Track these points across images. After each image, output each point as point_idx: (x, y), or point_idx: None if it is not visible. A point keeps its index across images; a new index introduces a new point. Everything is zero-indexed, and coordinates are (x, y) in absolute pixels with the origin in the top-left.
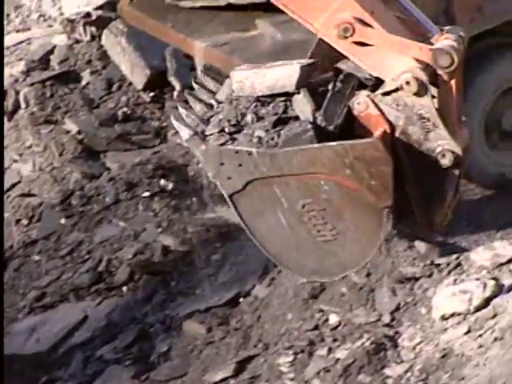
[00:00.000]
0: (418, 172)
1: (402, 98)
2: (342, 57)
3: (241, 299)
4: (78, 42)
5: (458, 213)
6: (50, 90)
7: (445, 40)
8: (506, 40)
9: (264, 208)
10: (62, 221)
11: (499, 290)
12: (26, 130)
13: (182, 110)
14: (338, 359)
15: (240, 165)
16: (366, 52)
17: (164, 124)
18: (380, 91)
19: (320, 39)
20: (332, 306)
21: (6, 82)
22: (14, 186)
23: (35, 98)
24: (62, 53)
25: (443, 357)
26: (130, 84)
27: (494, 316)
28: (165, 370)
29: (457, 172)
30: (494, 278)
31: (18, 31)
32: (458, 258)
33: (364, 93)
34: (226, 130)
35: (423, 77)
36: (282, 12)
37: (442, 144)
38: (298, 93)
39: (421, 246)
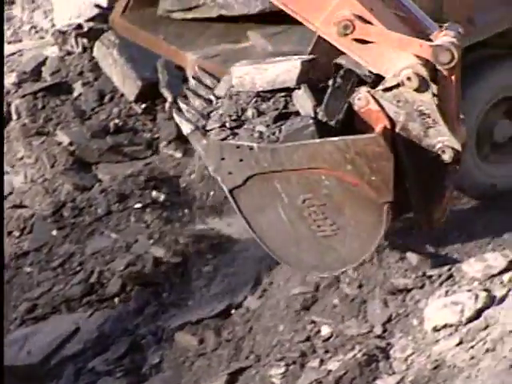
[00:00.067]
0: (418, 168)
1: (403, 94)
2: (342, 54)
3: (232, 311)
4: (69, 53)
5: (450, 224)
6: (41, 102)
7: (444, 36)
8: (497, 51)
9: (264, 203)
10: (54, 232)
11: (491, 301)
12: (17, 141)
13: (182, 105)
14: (330, 371)
15: (241, 160)
16: (365, 49)
17: (156, 135)
18: (381, 87)
19: (319, 36)
20: (324, 317)
21: None
22: (5, 197)
23: (27, 109)
24: (53, 64)
25: (435, 368)
26: (122, 95)
27: (486, 327)
28: (157, 382)
29: (456, 168)
30: (485, 290)
31: (9, 43)
32: (449, 269)
33: (364, 89)
34: (227, 124)
35: (424, 73)
36: (274, 24)
37: (442, 140)
38: (299, 88)
39: (412, 257)
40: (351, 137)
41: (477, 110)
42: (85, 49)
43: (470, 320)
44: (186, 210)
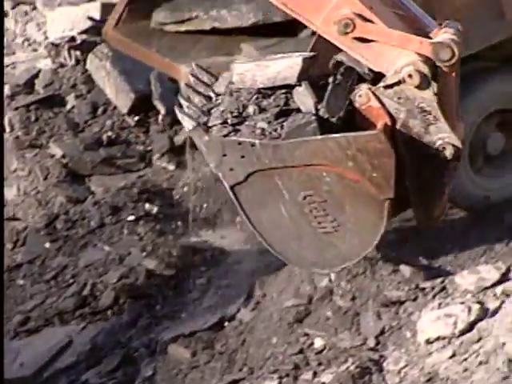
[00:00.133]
0: (418, 165)
1: (404, 92)
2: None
3: (226, 323)
4: (62, 66)
5: (443, 236)
6: (34, 114)
7: (444, 34)
8: (489, 64)
9: (265, 200)
10: (47, 245)
11: (484, 313)
12: (10, 154)
13: (183, 102)
14: (323, 383)
15: (242, 156)
16: (366, 47)
17: (149, 148)
18: (382, 84)
19: (320, 35)
20: (317, 329)
21: None
22: None
23: (20, 122)
24: (46, 77)
25: (428, 381)
26: (115, 108)
27: (479, 340)
28: None
29: (456, 165)
30: (478, 302)
31: None
32: (442, 281)
33: (365, 86)
34: (229, 121)
35: (425, 70)
36: (266, 37)
37: (443, 137)
38: (299, 85)
39: (406, 269)
40: (353, 133)
41: (469, 122)
42: (78, 61)
43: (463, 332)
44: (179, 223)
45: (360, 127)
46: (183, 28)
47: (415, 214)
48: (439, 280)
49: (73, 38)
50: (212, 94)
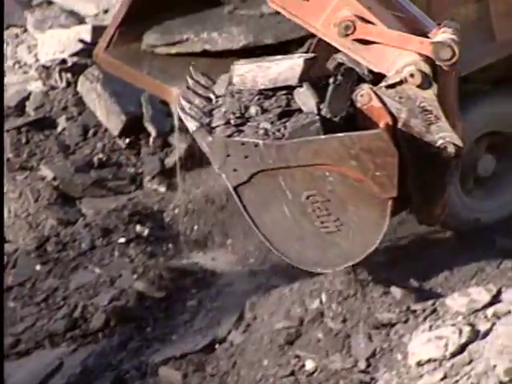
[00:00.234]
0: (419, 164)
1: (405, 91)
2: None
3: (216, 345)
4: (53, 88)
5: (433, 259)
6: (25, 137)
7: (443, 34)
8: (480, 87)
9: (269, 200)
10: (38, 267)
11: (475, 335)
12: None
13: (184, 103)
14: None
15: (246, 156)
16: (366, 49)
17: (140, 170)
18: (383, 84)
19: (320, 38)
20: (308, 351)
21: None
22: None
23: (11, 144)
24: (37, 99)
25: None
26: (106, 130)
27: (470, 362)
28: None
29: (457, 164)
30: (469, 324)
31: None
32: (433, 303)
33: (367, 86)
34: (232, 122)
35: (427, 69)
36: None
37: (444, 136)
38: (300, 86)
39: (396, 291)
40: (356, 133)
41: None
42: (69, 83)
43: (454, 354)
44: (170, 245)
45: (362, 127)
46: (174, 50)
47: (416, 213)
48: (430, 302)
49: (64, 61)
50: (212, 96)
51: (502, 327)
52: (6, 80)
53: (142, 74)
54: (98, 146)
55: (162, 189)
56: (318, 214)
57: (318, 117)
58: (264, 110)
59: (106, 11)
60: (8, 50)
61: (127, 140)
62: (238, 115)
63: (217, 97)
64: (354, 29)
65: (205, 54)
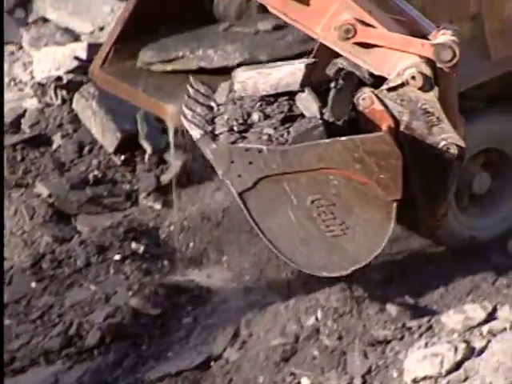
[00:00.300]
0: (422, 166)
1: (407, 93)
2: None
3: (212, 362)
4: (48, 105)
5: (429, 276)
6: (20, 154)
7: (443, 35)
8: (475, 104)
9: (274, 205)
10: (33, 284)
11: (470, 353)
12: None
13: (187, 112)
14: None
15: (250, 162)
16: (367, 52)
17: (135, 187)
18: (385, 87)
19: (321, 43)
20: (303, 369)
21: None
22: None
23: (6, 161)
24: (32, 116)
25: None
26: (101, 147)
27: (466, 379)
28: None
29: (460, 165)
30: (465, 341)
31: None
32: (429, 320)
33: (368, 89)
34: (235, 128)
35: (428, 71)
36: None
37: (446, 137)
38: (302, 91)
39: (392, 308)
40: (359, 136)
41: None
42: (64, 101)
43: (450, 372)
44: (166, 262)
45: (364, 130)
46: (170, 67)
47: (420, 214)
48: (426, 319)
49: (59, 78)
50: (213, 104)
51: (497, 344)
52: None
53: (138, 91)
54: (93, 163)
55: (158, 206)
56: (323, 218)
57: (321, 121)
58: (266, 116)
59: (101, 29)
60: (3, 67)
61: (123, 157)
62: (240, 122)
63: (218, 105)
64: (355, 32)
65: (200, 71)
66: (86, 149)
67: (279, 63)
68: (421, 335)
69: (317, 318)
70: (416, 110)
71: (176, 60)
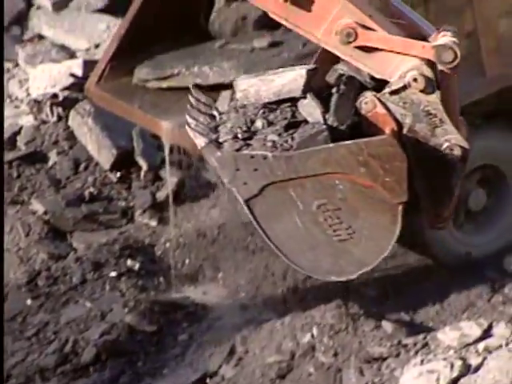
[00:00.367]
0: (426, 168)
1: (409, 96)
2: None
3: (208, 379)
4: (44, 122)
5: (425, 293)
6: (16, 171)
7: (443, 37)
8: (472, 120)
9: (280, 211)
10: (29, 301)
11: (466, 370)
12: None
13: (190, 120)
14: None
15: (255, 169)
16: (368, 56)
17: (131, 204)
18: (387, 90)
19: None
20: None
21: None
22: None
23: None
24: (28, 133)
25: None
26: (97, 164)
27: None
28: None
29: (464, 166)
30: (461, 358)
31: None
32: (425, 337)
33: (370, 93)
34: (239, 136)
35: (430, 73)
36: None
37: (449, 139)
38: (304, 97)
39: (388, 325)
40: (363, 139)
41: None
42: (60, 118)
43: None
44: (162, 279)
45: (368, 134)
46: (165, 84)
47: (425, 216)
48: (421, 336)
49: (55, 95)
50: (215, 113)
51: (493, 361)
52: None
53: (133, 108)
54: (89, 180)
55: (153, 223)
56: (329, 223)
57: (325, 126)
58: (270, 123)
59: (97, 46)
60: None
61: (118, 174)
62: (244, 129)
63: (220, 113)
64: (356, 36)
65: (196, 88)
66: (82, 166)
67: (280, 70)
68: (417, 352)
69: (312, 335)
70: (419, 112)
71: (171, 77)
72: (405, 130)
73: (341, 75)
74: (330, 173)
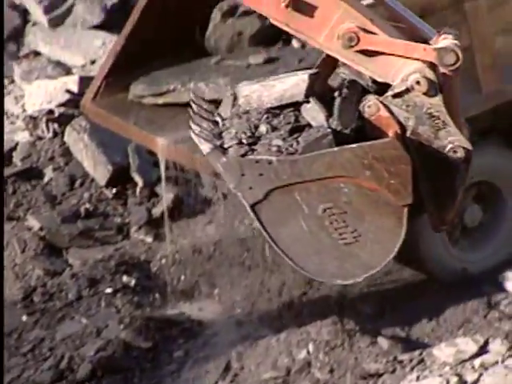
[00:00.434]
0: (430, 170)
1: (412, 99)
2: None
3: None
4: (40, 138)
5: (420, 309)
6: (12, 187)
7: (445, 40)
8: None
9: (285, 216)
10: (24, 318)
11: None
12: None
13: (194, 127)
14: None
15: (261, 174)
16: (371, 60)
17: (127, 220)
18: (390, 93)
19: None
20: None
21: None
22: None
23: None
24: (24, 149)
25: None
26: (93, 180)
27: None
28: None
29: (467, 167)
30: (456, 375)
31: None
32: (420, 354)
33: (373, 96)
34: (244, 141)
35: (432, 76)
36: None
37: (453, 141)
38: (307, 102)
39: (383, 342)
40: (368, 142)
41: None
42: (56, 134)
43: None
44: (157, 295)
45: (372, 137)
46: (161, 101)
47: (429, 218)
48: (417, 352)
49: (51, 111)
50: (218, 119)
51: (489, 378)
52: None
53: (129, 124)
54: (84, 196)
55: (149, 239)
56: (335, 227)
57: (329, 130)
58: (274, 128)
59: (92, 62)
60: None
61: (114, 190)
62: (249, 135)
63: (223, 119)
64: (358, 40)
65: None
66: (78, 182)
67: (282, 75)
68: (412, 368)
69: (308, 351)
70: (422, 114)
71: (167, 93)
72: (408, 133)
73: (343, 79)
74: (335, 176)
